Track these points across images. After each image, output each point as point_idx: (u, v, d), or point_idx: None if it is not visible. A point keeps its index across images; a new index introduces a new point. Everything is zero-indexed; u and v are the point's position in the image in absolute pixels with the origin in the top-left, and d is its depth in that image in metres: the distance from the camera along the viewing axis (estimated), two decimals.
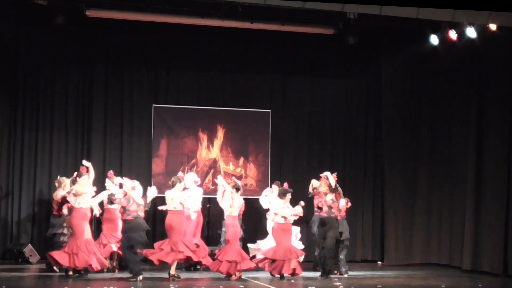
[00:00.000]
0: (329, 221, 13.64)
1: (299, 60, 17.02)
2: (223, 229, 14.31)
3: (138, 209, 12.83)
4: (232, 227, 13.35)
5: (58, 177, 14.25)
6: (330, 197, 13.75)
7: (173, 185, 13.11)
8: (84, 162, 13.53)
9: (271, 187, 15.09)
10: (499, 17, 13.25)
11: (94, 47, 16.13)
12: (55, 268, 13.42)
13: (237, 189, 13.52)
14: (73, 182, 13.23)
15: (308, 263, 14.78)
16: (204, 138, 16.47)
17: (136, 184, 13.03)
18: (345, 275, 13.96)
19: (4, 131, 15.64)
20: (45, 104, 15.89)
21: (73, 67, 16.06)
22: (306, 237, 15.63)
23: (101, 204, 13.89)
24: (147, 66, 16.41)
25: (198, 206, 14.09)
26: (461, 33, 14.83)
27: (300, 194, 14.69)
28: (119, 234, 13.46)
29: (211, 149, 16.48)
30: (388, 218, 16.65)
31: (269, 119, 16.78)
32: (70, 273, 13.04)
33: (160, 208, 13.67)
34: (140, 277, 12.72)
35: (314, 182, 14.57)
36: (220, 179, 13.94)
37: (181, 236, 13.07)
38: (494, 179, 14.58)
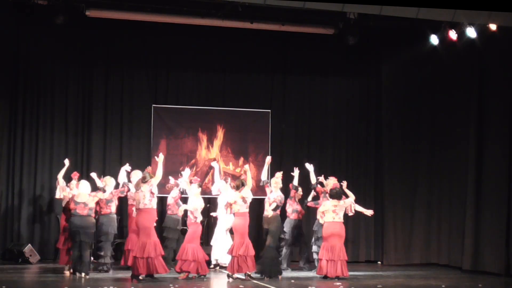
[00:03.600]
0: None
1: (299, 60, 17.01)
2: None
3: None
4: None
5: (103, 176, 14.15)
6: (276, 194, 13.76)
7: (237, 188, 13.00)
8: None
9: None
10: (499, 17, 13.22)
11: (94, 47, 16.14)
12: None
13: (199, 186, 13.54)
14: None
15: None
16: (203, 138, 16.45)
17: (83, 182, 13.13)
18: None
19: (4, 131, 15.66)
20: (45, 104, 15.91)
21: (73, 67, 16.07)
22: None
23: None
24: (147, 66, 16.42)
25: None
26: (461, 33, 14.82)
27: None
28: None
29: (210, 149, 16.46)
30: (388, 218, 16.64)
31: (269, 119, 16.77)
32: (66, 272, 13.08)
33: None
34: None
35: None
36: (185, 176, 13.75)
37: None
38: (495, 178, 14.55)
